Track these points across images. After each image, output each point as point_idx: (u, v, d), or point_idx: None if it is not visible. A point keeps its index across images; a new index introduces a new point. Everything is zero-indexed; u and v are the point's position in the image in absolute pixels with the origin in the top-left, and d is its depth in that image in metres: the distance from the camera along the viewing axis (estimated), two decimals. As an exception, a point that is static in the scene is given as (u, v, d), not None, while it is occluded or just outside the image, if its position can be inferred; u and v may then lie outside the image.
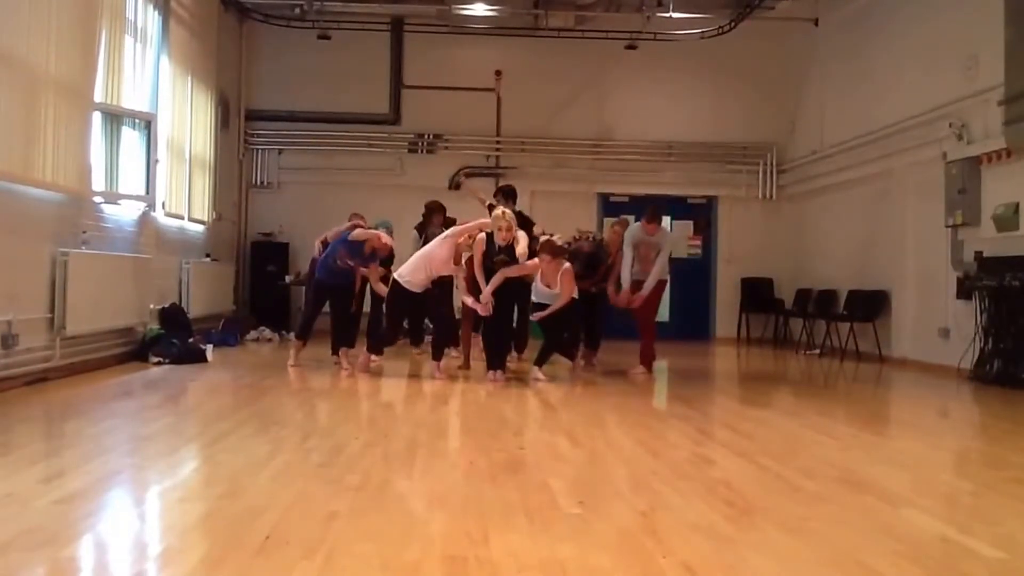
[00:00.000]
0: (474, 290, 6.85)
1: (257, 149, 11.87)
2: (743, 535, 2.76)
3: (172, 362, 7.34)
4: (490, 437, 4.39)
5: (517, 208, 7.51)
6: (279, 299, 11.10)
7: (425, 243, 7.55)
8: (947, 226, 8.18)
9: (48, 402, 5.36)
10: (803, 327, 10.99)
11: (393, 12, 11.60)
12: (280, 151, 11.94)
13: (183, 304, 8.78)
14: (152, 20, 8.36)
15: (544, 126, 12.11)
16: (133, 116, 7.67)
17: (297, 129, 11.84)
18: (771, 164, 12.23)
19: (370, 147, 11.91)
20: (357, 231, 7.31)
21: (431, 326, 7.99)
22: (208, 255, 10.00)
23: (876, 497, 3.33)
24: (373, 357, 7.42)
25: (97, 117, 6.96)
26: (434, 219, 8.31)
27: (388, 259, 7.86)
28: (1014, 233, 7.28)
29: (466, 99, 11.99)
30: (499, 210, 6.74)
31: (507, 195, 7.72)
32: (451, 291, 8.13)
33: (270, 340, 10.20)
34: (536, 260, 6.78)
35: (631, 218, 9.10)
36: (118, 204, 7.48)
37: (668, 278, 7.96)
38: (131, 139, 7.68)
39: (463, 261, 7.14)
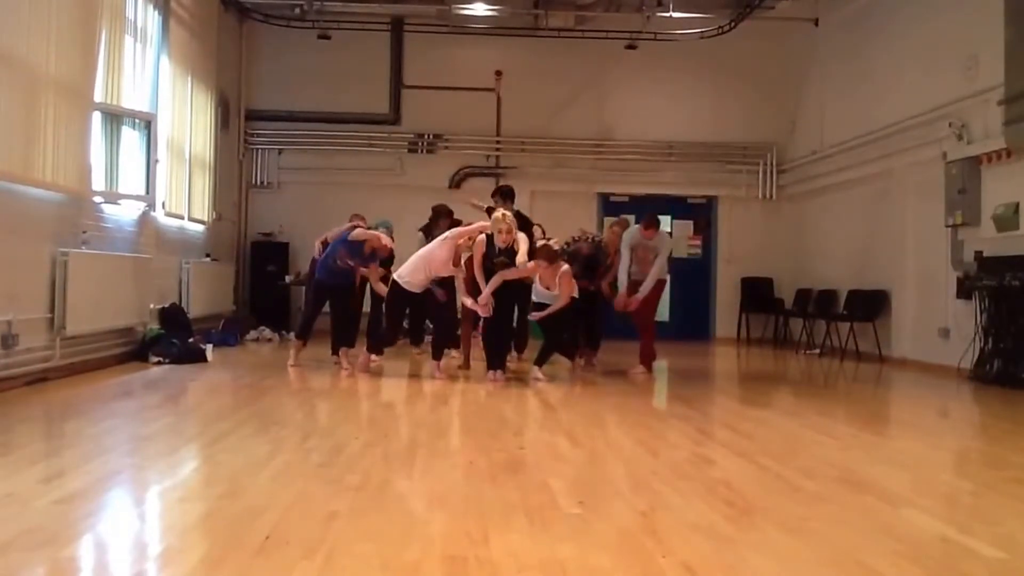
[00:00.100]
0: (474, 291, 6.86)
1: (257, 149, 11.87)
2: (743, 535, 2.76)
3: (172, 362, 7.34)
4: (490, 437, 4.39)
5: (516, 208, 7.50)
6: (279, 299, 11.10)
7: None
8: (947, 226, 8.18)
9: (48, 402, 5.36)
10: (803, 327, 10.99)
11: (393, 12, 11.60)
12: (280, 151, 11.94)
13: (183, 304, 8.78)
14: (152, 20, 8.36)
15: (544, 126, 12.12)
16: (133, 116, 7.67)
17: (297, 129, 11.84)
18: (771, 164, 12.23)
19: (370, 147, 11.91)
20: (357, 231, 7.31)
21: (431, 326, 8.00)
22: (208, 255, 10.00)
23: (876, 497, 3.33)
24: (373, 357, 7.43)
25: (97, 117, 6.96)
26: (441, 223, 8.23)
27: (388, 260, 7.86)
28: (1014, 233, 7.28)
29: (466, 99, 11.99)
30: (499, 212, 6.74)
31: (505, 195, 7.72)
32: (454, 292, 8.12)
33: (270, 340, 10.20)
34: (534, 263, 6.78)
35: (631, 218, 9.10)
36: (118, 204, 7.48)
37: (668, 277, 7.96)
38: (131, 139, 7.67)
39: (462, 262, 7.14)
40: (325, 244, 7.72)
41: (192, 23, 9.30)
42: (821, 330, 10.47)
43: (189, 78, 9.27)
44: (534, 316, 7.14)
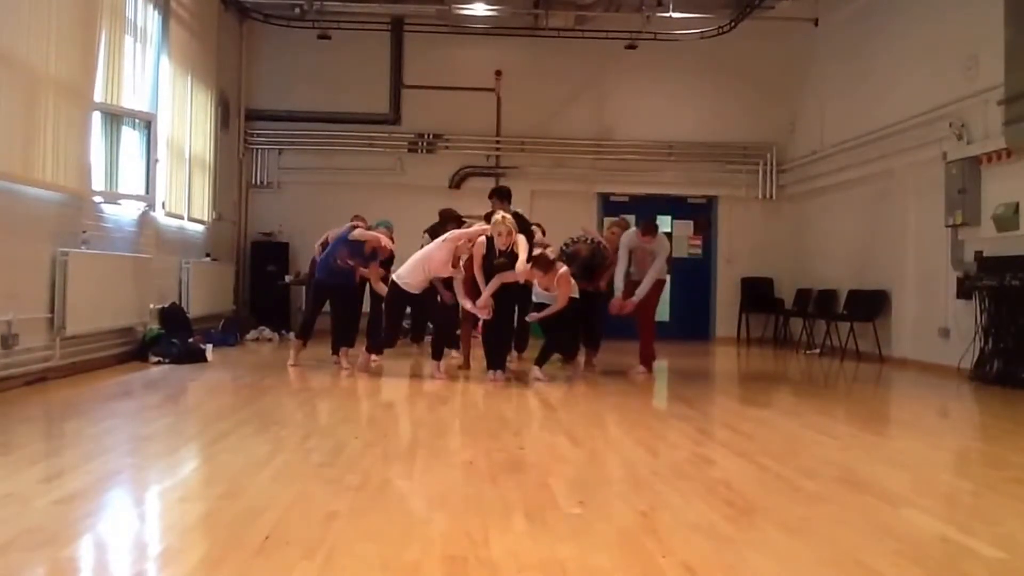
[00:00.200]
0: (473, 293, 6.86)
1: (257, 149, 11.87)
2: (743, 535, 2.76)
3: (172, 362, 7.34)
4: (490, 437, 4.39)
5: (513, 208, 7.49)
6: (279, 299, 11.10)
7: None
8: (947, 226, 8.18)
9: (48, 402, 5.36)
10: (803, 327, 10.99)
11: (393, 12, 11.60)
12: (280, 151, 11.94)
13: (183, 304, 8.78)
14: (152, 20, 8.36)
15: (544, 126, 12.12)
16: (133, 116, 7.67)
17: (297, 129, 11.84)
18: (771, 164, 12.23)
19: (370, 147, 11.91)
20: (357, 231, 7.32)
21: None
22: (208, 255, 10.00)
23: (876, 497, 3.33)
24: (373, 357, 7.43)
25: (97, 117, 6.96)
26: (448, 227, 8.21)
27: (388, 260, 7.86)
28: (1014, 233, 7.28)
29: (466, 99, 11.99)
30: (499, 215, 6.74)
31: (502, 196, 7.71)
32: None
33: (270, 340, 10.20)
34: (531, 270, 6.76)
35: (631, 218, 9.08)
36: (118, 204, 7.49)
37: (667, 277, 7.96)
38: (131, 139, 7.68)
39: (461, 263, 7.13)
40: (325, 245, 7.72)
41: (192, 23, 9.30)
42: (821, 330, 10.47)
43: (189, 78, 9.27)
44: (532, 317, 7.14)
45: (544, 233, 8.23)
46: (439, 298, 7.35)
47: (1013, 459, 4.35)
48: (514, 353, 7.93)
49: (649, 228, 7.65)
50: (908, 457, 4.36)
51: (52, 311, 6.11)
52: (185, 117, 9.20)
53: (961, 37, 8.19)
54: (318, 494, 3.13)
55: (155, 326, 7.90)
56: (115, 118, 7.33)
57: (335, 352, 7.56)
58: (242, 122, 11.68)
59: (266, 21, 11.36)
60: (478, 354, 7.35)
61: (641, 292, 7.51)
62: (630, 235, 7.73)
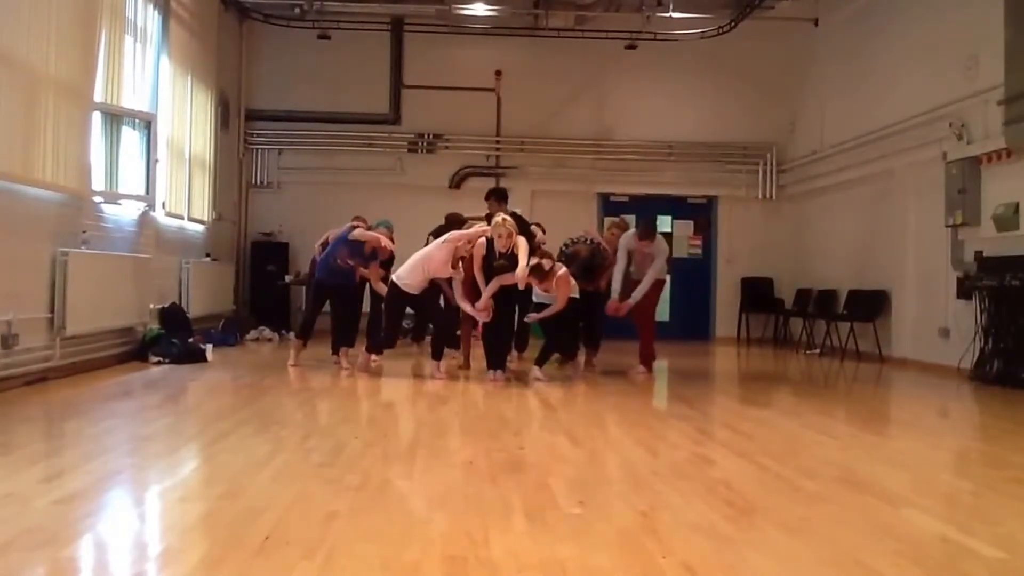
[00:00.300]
0: (472, 294, 6.85)
1: (257, 149, 11.87)
2: (743, 535, 2.76)
3: (172, 362, 7.34)
4: (490, 437, 4.39)
5: (512, 209, 7.49)
6: (279, 299, 11.11)
7: None
8: (947, 226, 8.18)
9: (48, 402, 5.36)
10: (803, 327, 10.99)
11: (393, 12, 11.59)
12: (280, 151, 11.94)
13: (183, 304, 8.79)
14: (152, 20, 8.36)
15: (544, 126, 12.12)
16: (133, 116, 7.67)
17: (297, 129, 11.84)
18: (771, 164, 12.23)
19: (370, 147, 11.91)
20: (357, 231, 7.32)
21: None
22: (208, 255, 10.00)
23: (876, 497, 3.33)
24: (373, 357, 7.43)
25: (97, 117, 6.96)
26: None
27: (388, 261, 7.85)
28: (1014, 233, 7.28)
29: (466, 99, 11.99)
30: (499, 217, 6.75)
31: (499, 197, 7.71)
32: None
33: (270, 340, 10.20)
34: (528, 275, 6.75)
35: (631, 219, 9.08)
36: (118, 204, 7.49)
37: (667, 277, 7.95)
38: (131, 139, 7.67)
39: (460, 264, 7.13)
40: (325, 245, 7.72)
41: (192, 23, 9.30)
42: (821, 330, 10.47)
43: (189, 78, 9.27)
44: (532, 317, 7.14)
45: (544, 232, 8.21)
46: (440, 298, 7.35)
47: (1013, 459, 4.35)
48: (514, 353, 7.93)
49: (647, 232, 7.63)
50: (908, 457, 4.36)
51: (52, 311, 6.11)
52: (185, 117, 9.21)
53: (961, 37, 8.19)
54: (318, 494, 3.13)
55: (155, 326, 7.91)
56: (115, 118, 7.33)
57: (335, 352, 7.56)
58: (242, 122, 11.68)
59: (266, 21, 11.36)
60: (478, 354, 7.35)
61: (639, 293, 7.49)
62: (629, 237, 7.72)
